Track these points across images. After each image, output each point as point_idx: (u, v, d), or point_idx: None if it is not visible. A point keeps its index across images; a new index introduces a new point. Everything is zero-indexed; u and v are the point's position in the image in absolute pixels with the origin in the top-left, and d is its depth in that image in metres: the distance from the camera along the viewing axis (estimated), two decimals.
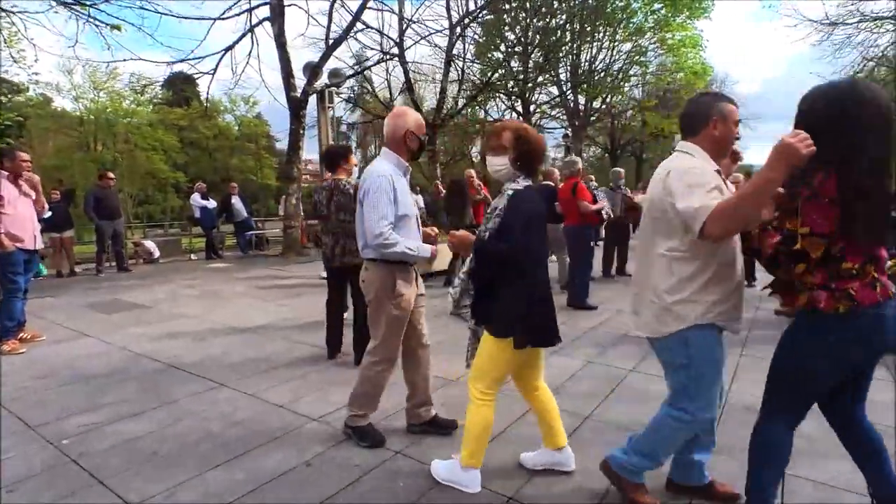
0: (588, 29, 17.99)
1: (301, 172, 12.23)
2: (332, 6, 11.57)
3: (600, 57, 18.99)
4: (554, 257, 6.66)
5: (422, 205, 10.19)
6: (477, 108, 20.15)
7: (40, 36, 35.51)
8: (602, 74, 19.01)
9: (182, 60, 11.01)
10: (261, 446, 2.59)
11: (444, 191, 7.54)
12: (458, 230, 2.17)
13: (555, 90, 19.99)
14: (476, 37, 17.75)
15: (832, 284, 1.50)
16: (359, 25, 11.93)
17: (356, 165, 4.62)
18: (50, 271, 8.77)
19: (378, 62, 14.53)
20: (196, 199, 11.26)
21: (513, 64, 17.70)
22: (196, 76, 12.88)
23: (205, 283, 7.88)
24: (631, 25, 18.23)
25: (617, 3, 17.81)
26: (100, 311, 5.88)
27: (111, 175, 9.31)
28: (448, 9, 14.26)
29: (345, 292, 4.12)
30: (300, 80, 11.03)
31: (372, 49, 14.36)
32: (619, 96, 22.12)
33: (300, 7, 11.50)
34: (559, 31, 17.55)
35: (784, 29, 26.32)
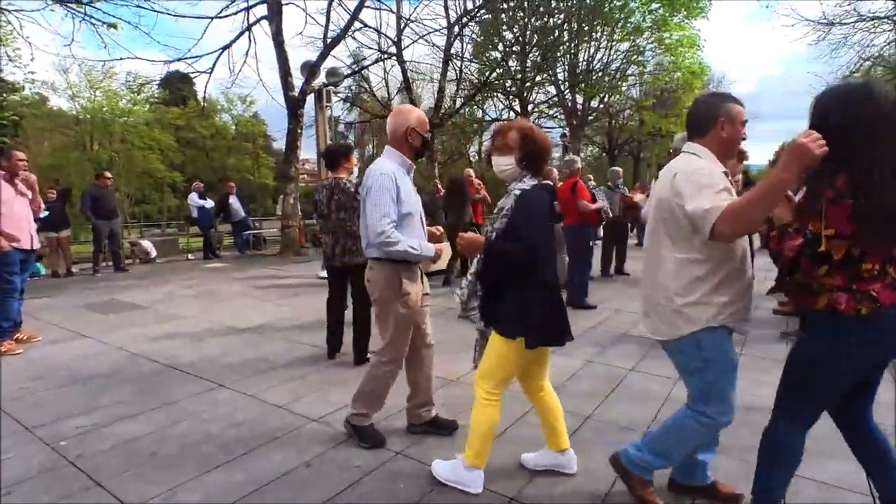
0: (586, 28, 17.97)
1: (298, 172, 12.22)
2: (329, 5, 11.57)
3: (598, 56, 18.99)
4: None
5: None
6: (475, 107, 20.13)
7: (36, 34, 35.18)
8: (600, 74, 18.99)
9: (179, 59, 11.03)
10: (260, 447, 2.58)
11: (443, 190, 7.53)
12: (458, 229, 2.16)
13: (552, 89, 19.95)
14: (474, 36, 17.72)
15: (853, 286, 1.49)
16: (357, 24, 11.95)
17: (356, 165, 4.61)
18: (46, 271, 8.73)
19: (376, 61, 14.55)
20: (193, 198, 11.22)
21: (511, 63, 17.67)
22: (193, 75, 12.92)
23: (202, 283, 7.84)
24: (629, 25, 18.19)
25: (615, 2, 17.78)
26: (97, 312, 5.84)
27: (108, 174, 9.26)
28: (446, 8, 14.30)
29: (345, 292, 4.09)
30: (298, 80, 11.00)
31: (370, 48, 14.42)
32: (617, 96, 22.07)
33: (298, 6, 11.53)
34: (557, 31, 17.53)
35: (781, 28, 26.32)
